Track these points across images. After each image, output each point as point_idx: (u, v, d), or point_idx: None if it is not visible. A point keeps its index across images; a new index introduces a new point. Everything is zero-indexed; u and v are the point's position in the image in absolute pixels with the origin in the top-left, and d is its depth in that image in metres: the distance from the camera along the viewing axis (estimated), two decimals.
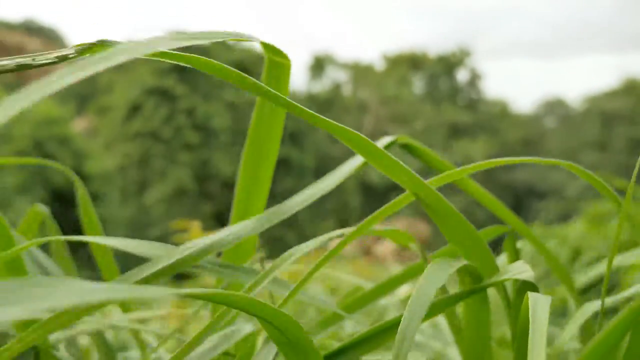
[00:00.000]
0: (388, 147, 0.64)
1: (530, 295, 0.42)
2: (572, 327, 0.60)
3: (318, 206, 21.31)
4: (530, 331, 0.39)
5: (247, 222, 0.57)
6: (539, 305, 0.41)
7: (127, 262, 0.75)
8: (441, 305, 0.50)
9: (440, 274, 0.45)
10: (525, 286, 0.48)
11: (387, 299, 1.03)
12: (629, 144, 23.88)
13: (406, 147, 0.65)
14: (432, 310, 0.50)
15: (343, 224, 0.65)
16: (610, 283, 1.44)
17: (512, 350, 0.48)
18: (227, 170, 19.96)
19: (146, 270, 0.48)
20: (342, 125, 0.45)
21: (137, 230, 16.70)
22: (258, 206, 0.63)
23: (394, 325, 0.49)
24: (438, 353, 0.63)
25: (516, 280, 0.49)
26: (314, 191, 0.62)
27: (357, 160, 0.64)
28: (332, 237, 0.58)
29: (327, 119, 0.45)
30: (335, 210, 20.81)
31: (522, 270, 0.47)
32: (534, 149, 26.77)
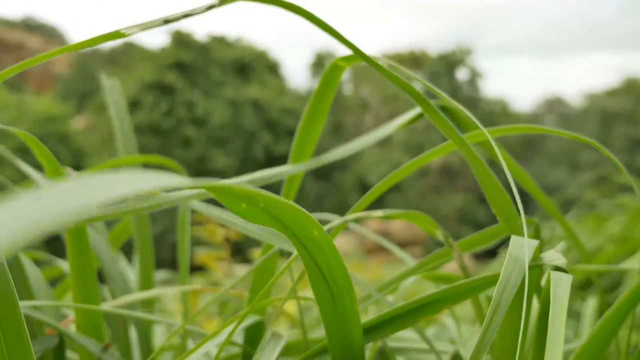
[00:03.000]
0: (420, 116, 0.70)
1: (552, 274, 0.43)
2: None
3: (315, 205, 21.31)
4: (550, 308, 0.39)
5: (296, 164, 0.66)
6: (560, 284, 0.42)
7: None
8: (476, 287, 0.50)
9: (526, 247, 0.45)
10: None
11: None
12: (628, 143, 23.89)
13: (444, 110, 0.68)
14: (466, 294, 0.49)
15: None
16: (614, 281, 1.44)
17: (534, 334, 0.49)
18: (225, 165, 19.96)
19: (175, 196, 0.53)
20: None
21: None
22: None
23: (425, 304, 0.49)
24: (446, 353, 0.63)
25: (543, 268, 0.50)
26: (358, 144, 0.69)
27: (408, 115, 0.71)
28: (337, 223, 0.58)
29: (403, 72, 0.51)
30: (333, 209, 20.82)
31: (555, 258, 0.48)
32: (534, 148, 26.77)
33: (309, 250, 0.42)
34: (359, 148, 0.69)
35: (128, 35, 0.43)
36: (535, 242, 0.46)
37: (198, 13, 0.43)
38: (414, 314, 0.49)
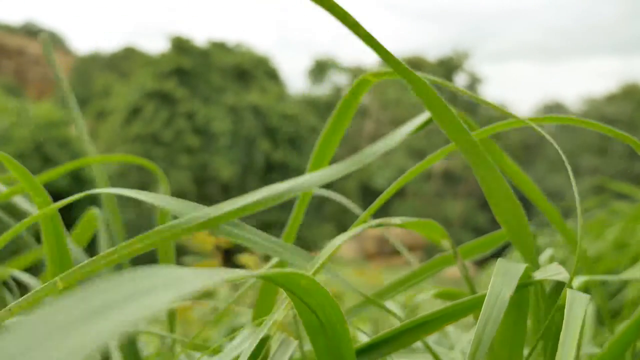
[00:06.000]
0: (430, 121, 0.68)
1: (569, 292, 0.42)
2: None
3: (317, 210, 21.28)
4: (563, 328, 0.38)
5: (314, 174, 0.64)
6: (575, 303, 0.41)
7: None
8: (478, 304, 0.49)
9: (512, 274, 0.44)
10: (559, 288, 0.47)
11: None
12: (628, 149, 23.84)
13: None
14: (468, 310, 0.49)
15: (342, 229, 0.65)
16: (612, 288, 1.44)
17: (542, 350, 0.48)
18: (227, 173, 19.95)
19: (201, 217, 0.51)
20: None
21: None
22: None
23: (426, 322, 0.48)
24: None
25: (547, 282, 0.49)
26: (380, 147, 0.67)
27: (422, 118, 0.69)
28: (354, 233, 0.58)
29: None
30: (335, 215, 20.80)
31: (557, 272, 0.47)
32: (534, 153, 26.76)
33: (297, 294, 0.41)
34: (372, 159, 0.67)
35: None
36: (520, 268, 0.45)
37: None
38: (414, 332, 0.48)
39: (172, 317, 0.83)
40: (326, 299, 0.41)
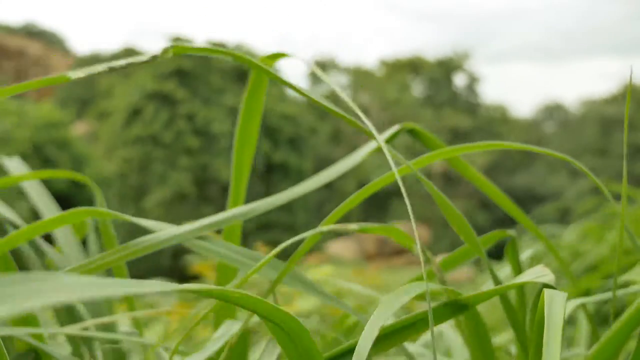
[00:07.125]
0: (396, 134, 0.68)
1: (546, 291, 0.42)
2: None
3: (316, 210, 21.28)
4: (545, 327, 0.38)
5: (242, 207, 0.64)
6: (554, 301, 0.41)
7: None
8: (461, 306, 0.49)
9: (395, 303, 0.44)
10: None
11: None
12: (628, 150, 23.84)
13: (412, 133, 0.68)
14: (451, 313, 0.49)
15: None
16: (609, 290, 1.43)
17: (529, 351, 0.48)
18: (227, 174, 19.94)
19: (145, 242, 0.53)
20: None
21: (135, 235, 16.65)
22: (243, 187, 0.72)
23: (403, 327, 0.48)
24: None
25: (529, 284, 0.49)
26: (325, 176, 0.67)
27: (366, 149, 0.69)
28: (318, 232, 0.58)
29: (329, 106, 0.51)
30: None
31: (543, 274, 0.46)
32: (533, 154, 26.75)
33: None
34: (359, 160, 0.68)
35: (72, 79, 0.45)
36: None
37: (141, 62, 0.47)
38: (398, 334, 0.48)
39: (140, 328, 0.83)
40: (275, 310, 0.41)
